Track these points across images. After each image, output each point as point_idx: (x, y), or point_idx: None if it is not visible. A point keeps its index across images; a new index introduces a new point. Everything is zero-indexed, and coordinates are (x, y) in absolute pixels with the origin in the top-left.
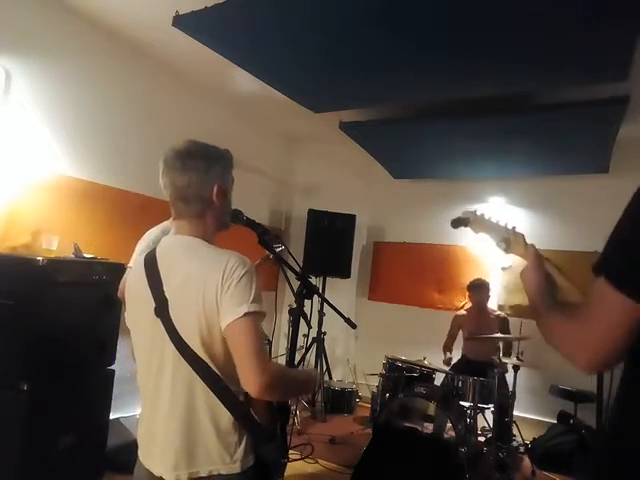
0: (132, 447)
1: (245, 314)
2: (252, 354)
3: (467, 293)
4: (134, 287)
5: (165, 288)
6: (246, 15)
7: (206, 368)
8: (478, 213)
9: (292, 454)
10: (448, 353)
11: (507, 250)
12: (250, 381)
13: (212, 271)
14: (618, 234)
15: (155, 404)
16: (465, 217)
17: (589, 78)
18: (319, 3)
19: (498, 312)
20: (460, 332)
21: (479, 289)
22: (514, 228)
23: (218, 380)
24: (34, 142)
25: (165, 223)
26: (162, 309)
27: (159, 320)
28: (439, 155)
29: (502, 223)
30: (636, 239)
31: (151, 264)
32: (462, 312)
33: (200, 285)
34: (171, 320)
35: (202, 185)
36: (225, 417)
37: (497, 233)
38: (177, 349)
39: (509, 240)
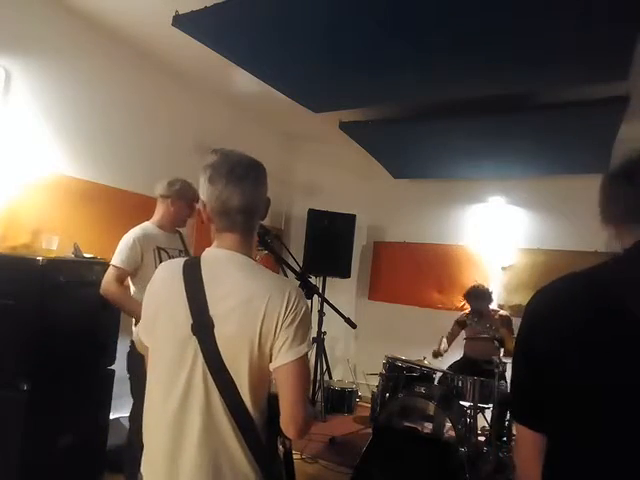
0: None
1: (305, 353)
2: (302, 398)
3: (466, 301)
4: (162, 298)
5: (210, 305)
6: (246, 15)
7: (235, 395)
8: None
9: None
10: (445, 341)
11: None
12: (295, 425)
13: (274, 297)
14: (512, 374)
15: (179, 434)
16: None
17: (589, 78)
18: (319, 3)
19: (501, 312)
20: (462, 332)
21: (476, 299)
22: None
23: (245, 412)
24: (34, 142)
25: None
26: (202, 327)
27: (194, 339)
28: (439, 155)
29: None
30: (520, 377)
31: (194, 276)
32: (464, 312)
33: (260, 309)
34: (214, 340)
35: (262, 199)
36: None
37: None
38: (210, 372)
39: None
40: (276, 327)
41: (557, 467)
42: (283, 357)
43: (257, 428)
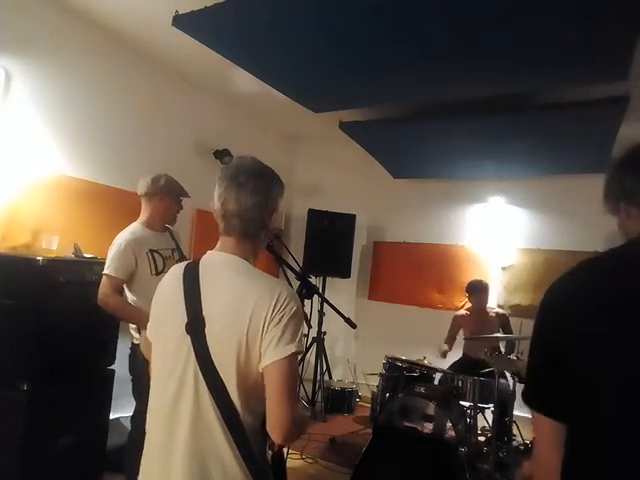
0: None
1: (293, 353)
2: (288, 400)
3: (466, 294)
4: (166, 299)
5: (204, 306)
6: (246, 15)
7: (224, 394)
8: None
9: (292, 453)
10: (445, 345)
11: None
12: (280, 428)
13: (263, 296)
14: (529, 361)
15: (171, 433)
16: None
17: (589, 78)
18: (319, 3)
19: (497, 310)
20: (460, 331)
21: (478, 292)
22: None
23: (234, 412)
24: (34, 142)
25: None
26: (195, 326)
27: (188, 338)
28: (439, 155)
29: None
30: (533, 364)
31: (192, 278)
32: (462, 312)
33: (248, 308)
34: (205, 339)
35: (264, 208)
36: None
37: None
38: (201, 371)
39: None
40: (263, 326)
41: (580, 459)
42: (269, 356)
43: (246, 431)
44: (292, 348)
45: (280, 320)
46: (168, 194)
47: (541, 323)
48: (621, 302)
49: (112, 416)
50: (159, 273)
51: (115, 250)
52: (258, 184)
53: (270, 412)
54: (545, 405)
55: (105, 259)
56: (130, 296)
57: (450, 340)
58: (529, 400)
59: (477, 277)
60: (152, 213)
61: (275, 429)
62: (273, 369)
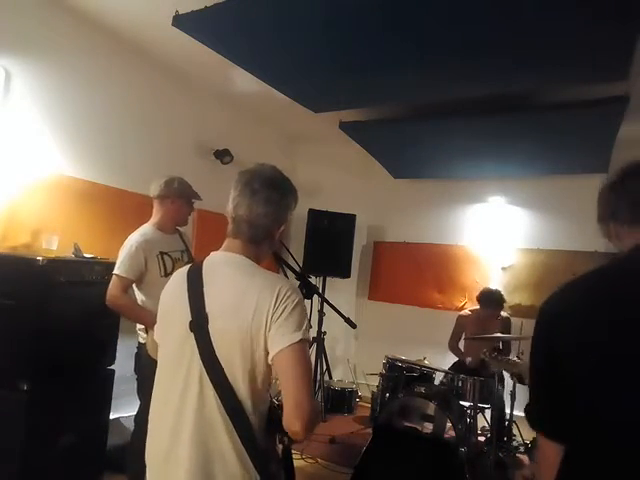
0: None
1: (300, 340)
2: (305, 387)
3: (478, 304)
4: (170, 299)
5: (207, 303)
6: (246, 15)
7: (229, 391)
8: None
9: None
10: (469, 359)
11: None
12: (301, 417)
13: (265, 292)
14: (531, 381)
15: (176, 431)
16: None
17: (589, 78)
18: (319, 3)
19: (502, 313)
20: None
21: (493, 306)
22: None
23: (239, 408)
24: (34, 142)
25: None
26: (199, 324)
27: (192, 336)
28: (439, 155)
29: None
30: (536, 383)
31: (195, 277)
32: (466, 312)
33: (251, 304)
34: (208, 336)
35: (274, 219)
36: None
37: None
38: (205, 368)
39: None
40: (267, 320)
41: (579, 471)
42: (277, 345)
43: (252, 427)
44: (299, 335)
45: (283, 311)
46: (180, 197)
47: (539, 338)
48: (621, 320)
49: (112, 416)
50: (168, 275)
51: (126, 251)
52: (271, 195)
53: (288, 402)
54: (553, 428)
55: (105, 259)
56: (139, 296)
57: (455, 342)
58: (536, 423)
59: (477, 277)
60: (163, 215)
61: (297, 419)
62: (283, 357)
